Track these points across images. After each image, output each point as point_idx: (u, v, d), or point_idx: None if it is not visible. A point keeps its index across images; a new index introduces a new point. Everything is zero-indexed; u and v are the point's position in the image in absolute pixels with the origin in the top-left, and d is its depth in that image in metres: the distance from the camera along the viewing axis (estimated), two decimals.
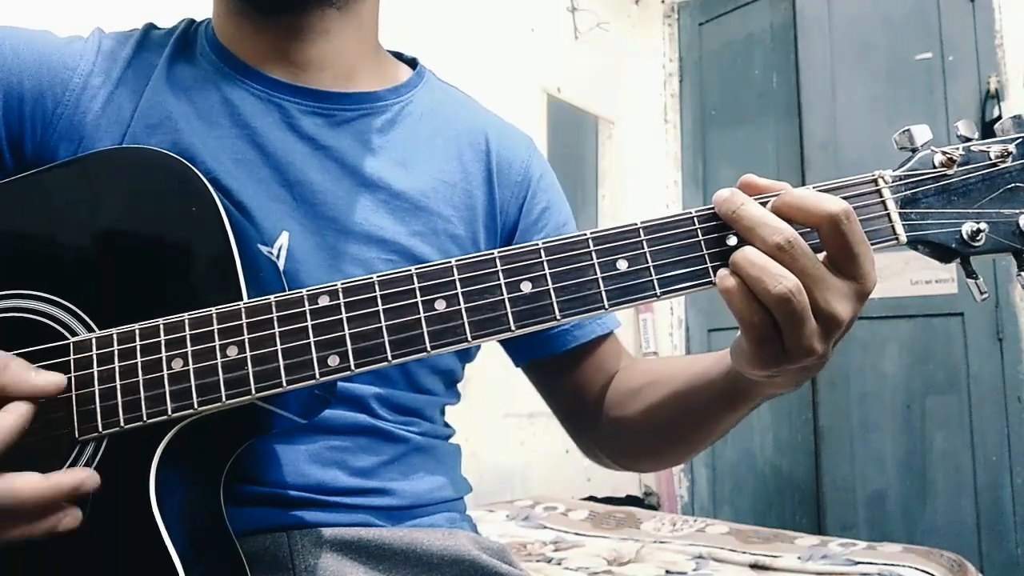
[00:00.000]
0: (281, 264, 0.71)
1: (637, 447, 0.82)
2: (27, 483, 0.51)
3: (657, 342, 3.34)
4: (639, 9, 3.62)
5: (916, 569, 1.69)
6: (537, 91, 3.02)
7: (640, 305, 0.58)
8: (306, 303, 0.57)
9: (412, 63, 0.88)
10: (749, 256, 0.53)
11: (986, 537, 2.51)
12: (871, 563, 1.72)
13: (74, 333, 0.59)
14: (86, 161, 0.67)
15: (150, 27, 0.80)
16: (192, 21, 0.81)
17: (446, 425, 0.83)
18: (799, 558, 1.81)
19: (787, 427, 3.06)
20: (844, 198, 0.57)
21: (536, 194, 0.84)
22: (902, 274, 2.68)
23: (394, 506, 0.73)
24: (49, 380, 0.55)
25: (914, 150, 0.59)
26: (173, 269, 0.62)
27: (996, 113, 2.55)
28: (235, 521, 0.63)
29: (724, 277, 0.54)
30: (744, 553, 1.86)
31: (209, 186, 0.63)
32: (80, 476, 0.53)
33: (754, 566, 1.79)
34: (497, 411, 2.67)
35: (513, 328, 0.56)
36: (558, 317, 0.56)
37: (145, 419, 0.56)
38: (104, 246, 0.63)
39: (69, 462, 0.57)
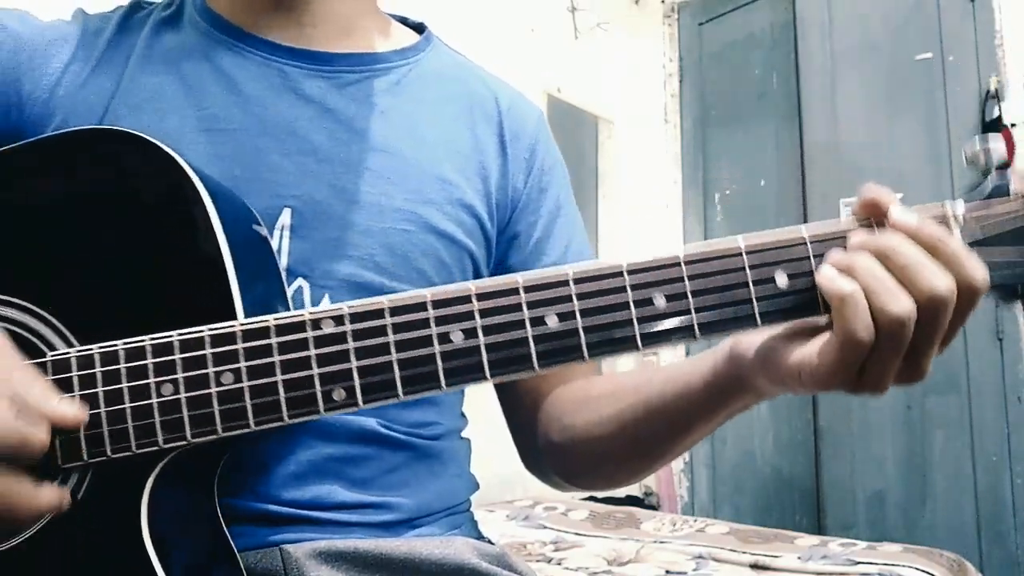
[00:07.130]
0: (286, 242, 0.67)
1: (584, 459, 0.75)
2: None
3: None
4: (639, 9, 3.62)
5: (916, 569, 1.69)
6: (537, 91, 3.01)
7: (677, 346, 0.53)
8: (308, 328, 0.52)
9: (419, 28, 0.85)
10: (871, 265, 0.48)
11: (986, 537, 2.51)
12: (871, 563, 1.72)
13: (51, 346, 0.53)
14: (56, 144, 0.59)
15: (136, 4, 0.77)
16: None
17: (462, 415, 0.79)
18: (799, 558, 1.81)
19: (787, 427, 3.05)
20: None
21: (542, 173, 0.81)
22: None
23: (391, 521, 0.69)
24: (66, 412, 0.50)
25: (986, 172, 0.52)
26: (157, 274, 0.56)
27: (996, 113, 2.54)
28: None
29: (837, 279, 0.49)
30: (744, 553, 1.86)
31: (195, 178, 0.56)
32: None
33: (754, 566, 1.79)
34: (498, 411, 2.65)
35: (537, 368, 0.51)
36: (586, 357, 0.51)
37: (134, 449, 0.52)
38: (80, 246, 0.56)
39: None
